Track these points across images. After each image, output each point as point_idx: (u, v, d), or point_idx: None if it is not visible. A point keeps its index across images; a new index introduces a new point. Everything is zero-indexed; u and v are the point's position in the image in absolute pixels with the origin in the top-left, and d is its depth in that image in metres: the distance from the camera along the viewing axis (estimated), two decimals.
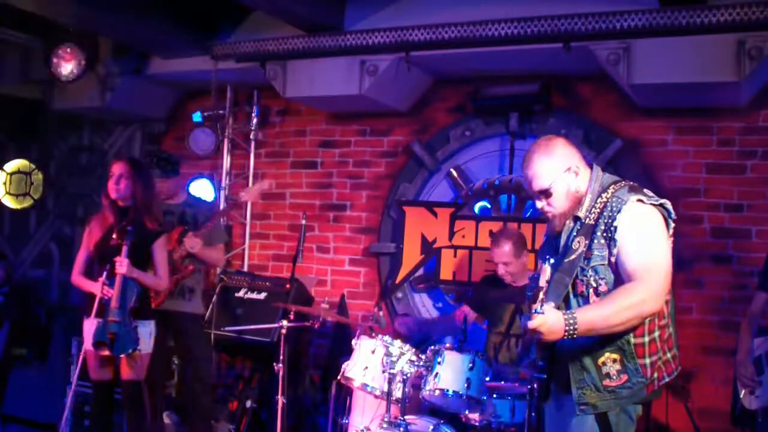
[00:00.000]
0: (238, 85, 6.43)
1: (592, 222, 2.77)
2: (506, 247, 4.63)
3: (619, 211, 2.71)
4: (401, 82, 5.59)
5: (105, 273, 4.28)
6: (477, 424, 4.10)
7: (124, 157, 4.65)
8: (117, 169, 4.40)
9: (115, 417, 4.61)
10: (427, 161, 5.90)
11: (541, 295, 2.54)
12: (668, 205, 2.78)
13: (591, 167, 2.91)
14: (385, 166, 6.13)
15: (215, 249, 5.07)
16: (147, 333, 4.37)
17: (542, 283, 2.59)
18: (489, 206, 5.71)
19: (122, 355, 4.26)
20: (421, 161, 5.94)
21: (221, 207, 5.16)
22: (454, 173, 5.82)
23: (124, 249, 4.23)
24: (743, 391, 4.24)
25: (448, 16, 5.06)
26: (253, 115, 6.46)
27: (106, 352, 4.24)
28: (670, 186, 5.17)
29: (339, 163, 6.30)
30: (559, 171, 2.82)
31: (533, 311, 2.52)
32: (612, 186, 2.81)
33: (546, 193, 2.85)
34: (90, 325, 4.33)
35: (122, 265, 4.22)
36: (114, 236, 4.33)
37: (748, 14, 4.33)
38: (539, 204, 2.90)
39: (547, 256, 2.82)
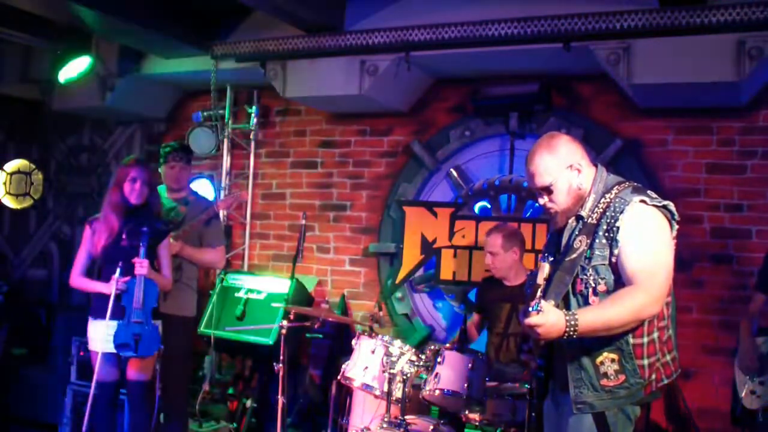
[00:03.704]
0: (238, 85, 6.44)
1: (594, 222, 2.77)
2: (495, 238, 4.65)
3: (621, 212, 2.71)
4: (401, 82, 5.59)
5: (119, 272, 4.21)
6: (477, 424, 4.10)
7: (135, 158, 4.58)
8: (138, 172, 4.36)
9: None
10: (427, 161, 5.90)
11: (538, 292, 2.55)
12: (671, 206, 2.77)
13: (596, 167, 2.91)
14: (385, 166, 6.13)
15: (211, 251, 4.96)
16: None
17: (540, 280, 2.60)
18: (489, 206, 5.71)
19: (147, 356, 4.27)
20: (421, 161, 5.94)
21: (218, 204, 5.02)
22: (454, 173, 5.82)
23: (142, 250, 4.22)
24: (744, 391, 4.26)
25: (448, 16, 5.05)
26: (253, 115, 6.46)
27: (130, 354, 4.24)
28: (670, 186, 5.17)
29: (339, 163, 6.30)
30: (561, 168, 2.83)
31: (530, 308, 2.52)
32: (616, 186, 2.81)
33: (547, 190, 2.86)
34: (101, 327, 4.28)
35: (143, 266, 4.21)
36: (124, 237, 4.31)
37: (748, 14, 4.32)
38: (541, 201, 2.91)
39: (546, 254, 2.84)
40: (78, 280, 4.48)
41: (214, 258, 5.04)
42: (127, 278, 4.24)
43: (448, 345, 4.21)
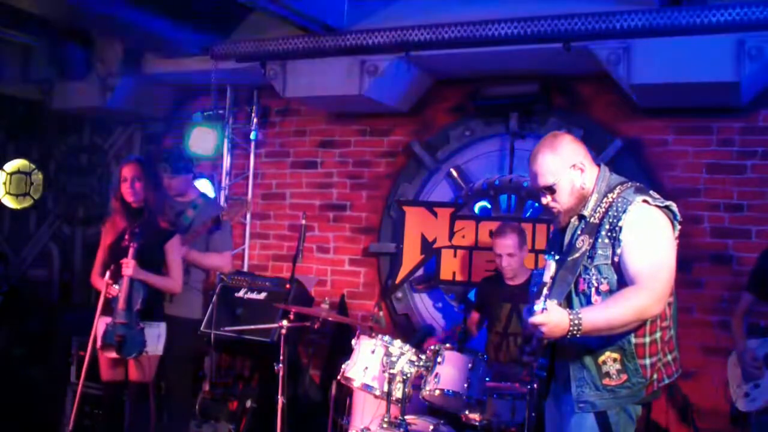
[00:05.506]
0: (238, 85, 6.44)
1: (596, 221, 2.78)
2: (511, 238, 4.65)
3: (624, 212, 2.71)
4: (401, 82, 5.59)
5: (108, 273, 4.27)
6: (477, 424, 4.10)
7: (133, 158, 4.60)
8: (129, 171, 4.37)
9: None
10: (427, 161, 5.90)
11: (544, 291, 2.55)
12: (674, 206, 2.78)
13: (599, 166, 2.91)
14: (385, 166, 6.13)
15: (216, 256, 4.97)
16: (156, 335, 4.36)
17: (546, 278, 2.60)
18: (489, 206, 5.71)
19: (129, 357, 4.26)
20: (421, 161, 5.94)
21: (222, 214, 5.05)
22: (454, 173, 5.81)
23: (131, 250, 4.23)
24: (736, 394, 4.26)
25: (449, 16, 5.05)
26: (253, 115, 6.46)
27: (113, 354, 4.23)
28: (670, 186, 5.17)
29: (339, 163, 6.30)
30: (565, 168, 2.84)
31: (535, 307, 2.52)
32: (619, 186, 2.82)
33: (551, 190, 2.86)
34: (101, 325, 4.31)
35: (128, 266, 4.22)
36: (126, 237, 4.32)
37: (748, 14, 4.33)
38: (545, 200, 2.91)
39: (552, 252, 2.83)
40: (94, 278, 4.55)
41: (219, 263, 5.07)
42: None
43: (448, 345, 4.21)
